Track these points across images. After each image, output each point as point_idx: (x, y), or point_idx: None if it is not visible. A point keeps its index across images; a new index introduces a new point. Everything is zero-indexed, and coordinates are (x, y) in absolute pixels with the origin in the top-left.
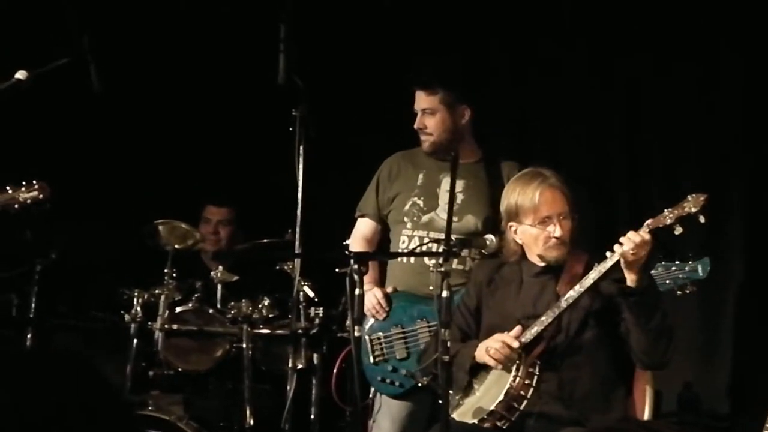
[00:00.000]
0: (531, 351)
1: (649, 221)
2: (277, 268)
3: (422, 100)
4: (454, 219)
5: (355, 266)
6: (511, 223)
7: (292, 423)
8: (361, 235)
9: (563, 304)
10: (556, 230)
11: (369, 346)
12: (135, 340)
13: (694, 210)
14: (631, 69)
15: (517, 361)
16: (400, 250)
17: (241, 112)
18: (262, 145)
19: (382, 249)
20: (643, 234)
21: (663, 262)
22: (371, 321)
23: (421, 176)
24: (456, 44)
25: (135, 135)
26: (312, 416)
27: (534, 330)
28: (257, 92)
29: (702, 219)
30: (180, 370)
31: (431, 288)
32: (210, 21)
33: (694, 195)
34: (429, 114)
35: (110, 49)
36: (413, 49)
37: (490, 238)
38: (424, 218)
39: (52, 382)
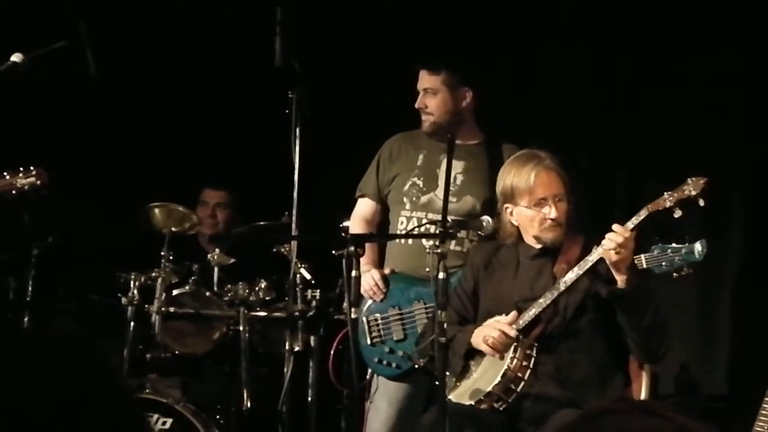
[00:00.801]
0: (528, 333)
1: (648, 204)
2: (274, 250)
3: (425, 79)
4: (453, 200)
5: (352, 248)
6: (507, 205)
7: (289, 405)
8: (360, 215)
9: (561, 286)
10: (551, 212)
11: (366, 327)
12: (132, 323)
13: (693, 193)
14: (630, 60)
15: (515, 344)
16: (398, 231)
17: (237, 95)
18: (258, 127)
19: (379, 230)
20: (624, 232)
21: (659, 244)
22: (369, 302)
23: (421, 157)
24: (458, 30)
25: (131, 118)
26: (309, 398)
27: (532, 312)
28: (254, 75)
29: (702, 202)
30: (177, 352)
31: (428, 270)
32: (206, 3)
33: (694, 178)
34: (431, 94)
35: (107, 33)
36: (411, 32)
37: (486, 219)
38: (423, 199)
39: (54, 373)
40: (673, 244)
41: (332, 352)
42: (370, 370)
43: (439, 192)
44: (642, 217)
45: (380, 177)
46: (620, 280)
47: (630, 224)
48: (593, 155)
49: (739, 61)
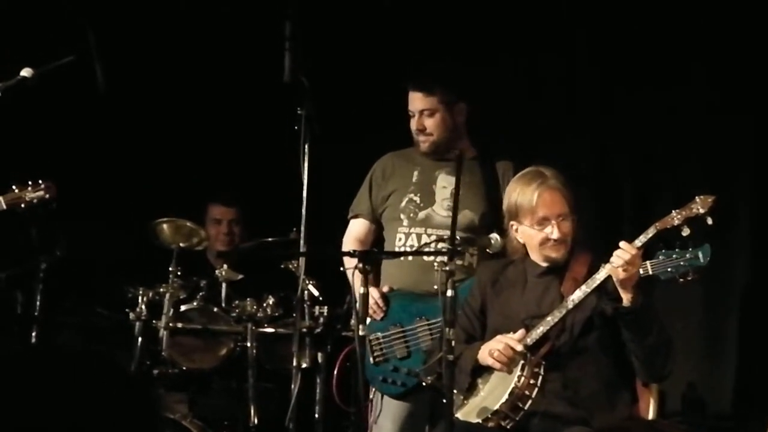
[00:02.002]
0: (536, 351)
1: (657, 222)
2: (282, 266)
3: (419, 101)
4: (451, 215)
5: (360, 265)
6: (512, 222)
7: (296, 422)
8: (354, 236)
9: (569, 304)
10: (553, 232)
11: (369, 346)
12: (139, 339)
13: (702, 211)
14: (634, 69)
15: (522, 361)
16: (396, 248)
17: (246, 111)
18: (267, 143)
19: (379, 249)
20: (632, 249)
21: (663, 251)
22: (368, 321)
23: (416, 173)
24: (460, 44)
25: (140, 133)
26: (316, 415)
27: (539, 330)
28: (262, 90)
29: (710, 220)
30: (184, 368)
31: (435, 287)
32: (215, 19)
33: (702, 196)
34: (428, 115)
35: (115, 48)
36: (418, 49)
37: (495, 237)
38: (421, 215)
39: (79, 390)
40: (677, 250)
41: (335, 371)
42: (373, 390)
43: (437, 207)
44: (650, 236)
45: (374, 196)
46: (626, 298)
47: (638, 242)
48: (599, 166)
49: (745, 67)
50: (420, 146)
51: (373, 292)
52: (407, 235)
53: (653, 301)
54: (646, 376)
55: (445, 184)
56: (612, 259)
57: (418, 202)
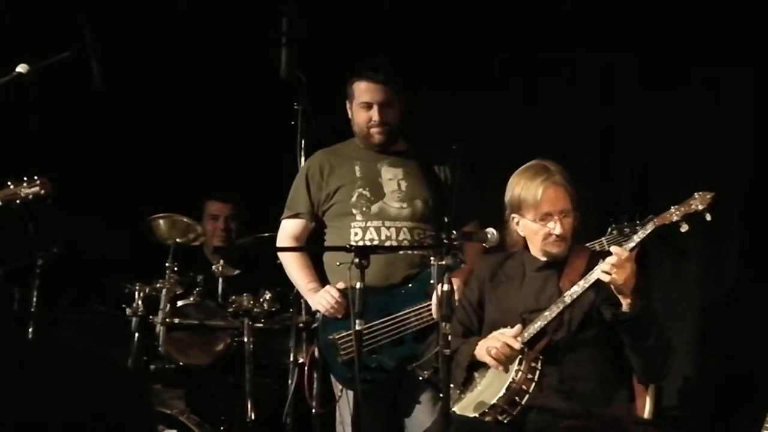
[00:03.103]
0: (533, 345)
1: (655, 218)
2: (278, 261)
3: (380, 92)
4: (404, 205)
5: (356, 260)
6: (513, 215)
7: (293, 417)
8: (290, 235)
9: (567, 299)
10: (556, 228)
11: (335, 345)
12: (136, 334)
13: (700, 207)
14: (636, 64)
15: (519, 356)
16: (353, 243)
17: (242, 106)
18: (263, 138)
19: (378, 244)
20: (623, 253)
21: (614, 225)
22: (330, 321)
23: (357, 168)
24: (455, 39)
25: (136, 129)
26: (313, 410)
27: (537, 325)
28: (259, 86)
29: (708, 217)
30: (181, 364)
31: (432, 281)
32: (212, 15)
33: (701, 193)
34: (388, 106)
35: (112, 44)
36: (415, 43)
37: (491, 231)
38: (374, 208)
39: (79, 391)
40: (627, 224)
41: (306, 369)
42: (340, 388)
43: (388, 200)
44: (648, 231)
45: (313, 194)
46: (624, 303)
47: (631, 243)
48: (599, 160)
49: (749, 65)
50: (373, 138)
51: (331, 291)
52: (364, 230)
53: (652, 303)
54: (645, 376)
55: (390, 176)
56: (602, 265)
57: (369, 195)
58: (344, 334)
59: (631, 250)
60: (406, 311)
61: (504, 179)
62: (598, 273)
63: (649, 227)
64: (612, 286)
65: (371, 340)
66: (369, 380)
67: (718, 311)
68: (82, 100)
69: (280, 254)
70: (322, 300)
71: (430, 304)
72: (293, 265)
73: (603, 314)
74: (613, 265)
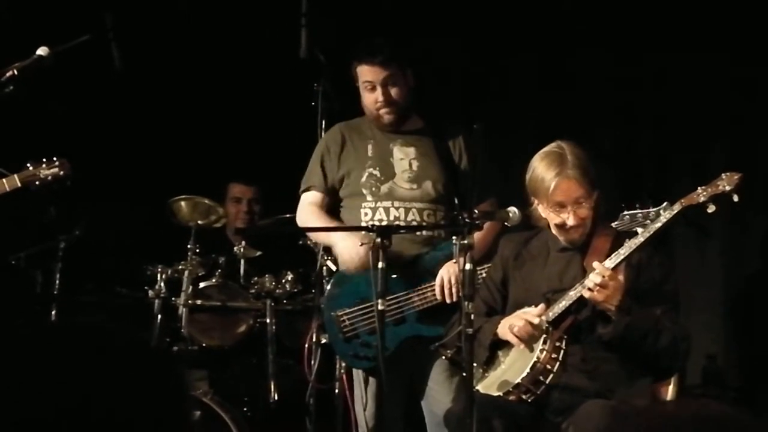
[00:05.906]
0: (558, 325)
1: (682, 199)
2: (300, 243)
3: (380, 72)
4: (414, 186)
5: (378, 240)
6: (533, 198)
7: (316, 397)
8: (311, 203)
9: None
10: (569, 218)
11: (337, 323)
12: (159, 316)
13: (728, 188)
14: (658, 48)
15: (545, 335)
16: (364, 223)
17: (263, 87)
18: (284, 119)
19: (399, 224)
20: (605, 271)
21: (627, 211)
22: (332, 299)
23: (370, 147)
24: (473, 22)
25: (157, 112)
26: (336, 390)
27: (562, 305)
28: (279, 67)
29: (735, 198)
30: (204, 345)
31: (453, 261)
32: None
33: (728, 173)
34: (391, 84)
35: (132, 27)
36: (434, 23)
37: (513, 210)
38: (384, 188)
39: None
40: (639, 208)
41: (306, 345)
42: (343, 365)
43: (398, 180)
44: (675, 212)
45: (327, 170)
46: (611, 315)
47: (614, 259)
48: (618, 130)
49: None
50: (383, 118)
51: (357, 241)
52: (374, 210)
53: (638, 312)
54: (653, 374)
55: (401, 156)
56: (585, 281)
57: (379, 175)
58: (347, 311)
59: (619, 264)
60: (410, 291)
61: (528, 157)
62: (582, 289)
63: (676, 207)
64: (594, 303)
65: (372, 318)
66: (372, 358)
67: (742, 290)
68: (104, 83)
69: (302, 221)
70: (349, 243)
71: (434, 285)
72: (318, 220)
73: (601, 335)
74: (598, 285)
